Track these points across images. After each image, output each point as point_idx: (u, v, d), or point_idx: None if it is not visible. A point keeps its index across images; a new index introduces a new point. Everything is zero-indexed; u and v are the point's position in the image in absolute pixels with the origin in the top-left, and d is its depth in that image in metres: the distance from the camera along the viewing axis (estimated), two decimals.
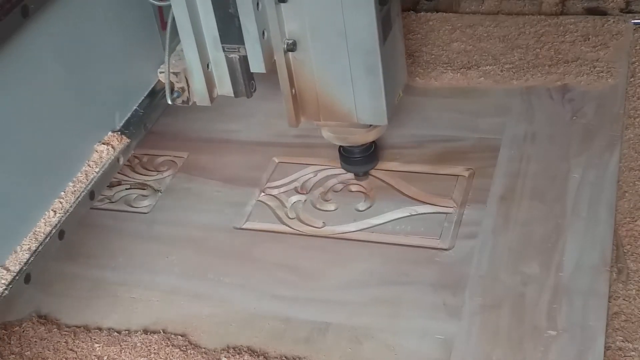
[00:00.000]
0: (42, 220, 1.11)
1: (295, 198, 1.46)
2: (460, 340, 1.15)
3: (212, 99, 1.30)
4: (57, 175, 1.14)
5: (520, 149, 1.46)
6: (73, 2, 1.12)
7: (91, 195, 1.18)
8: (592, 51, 1.65)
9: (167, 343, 1.21)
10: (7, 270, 1.03)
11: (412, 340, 1.17)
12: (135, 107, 1.30)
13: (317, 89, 1.26)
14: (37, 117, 1.09)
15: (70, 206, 1.14)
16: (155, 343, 1.21)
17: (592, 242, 1.25)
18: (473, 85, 1.64)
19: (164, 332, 1.23)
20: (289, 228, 1.41)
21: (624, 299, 1.18)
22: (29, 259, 1.06)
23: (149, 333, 1.23)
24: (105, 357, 1.21)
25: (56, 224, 1.11)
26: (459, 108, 1.58)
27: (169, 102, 1.29)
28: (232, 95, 1.30)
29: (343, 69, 1.22)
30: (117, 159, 1.23)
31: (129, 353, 1.21)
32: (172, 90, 1.28)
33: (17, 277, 1.03)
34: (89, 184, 1.17)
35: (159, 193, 1.52)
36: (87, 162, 1.20)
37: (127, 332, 1.24)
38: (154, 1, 1.25)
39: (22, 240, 1.07)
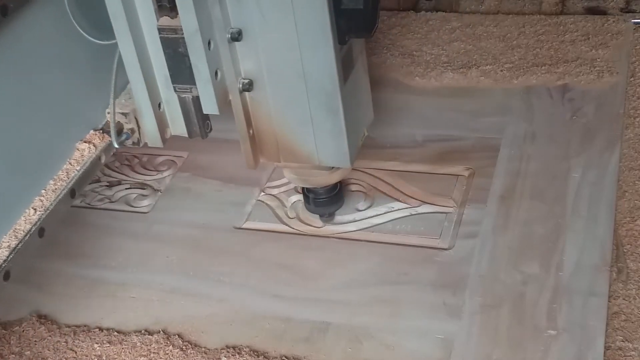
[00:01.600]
0: (22, 218, 1.11)
1: (295, 198, 1.46)
2: (460, 340, 1.15)
3: (164, 139, 1.21)
4: (37, 173, 1.15)
5: (520, 148, 1.46)
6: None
7: (72, 193, 1.18)
8: (592, 51, 1.65)
9: (167, 343, 1.21)
10: None
11: (412, 340, 1.17)
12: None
13: (276, 130, 1.18)
14: (17, 115, 1.09)
15: (51, 204, 1.14)
16: (155, 343, 1.21)
17: (592, 242, 1.25)
18: (473, 85, 1.64)
19: (163, 332, 1.23)
20: (289, 228, 1.41)
21: (623, 299, 1.18)
22: (8, 256, 1.07)
23: (148, 333, 1.23)
24: (105, 357, 1.21)
25: (36, 222, 1.11)
26: (459, 108, 1.58)
27: (116, 146, 1.21)
28: (187, 135, 1.22)
29: (302, 109, 1.14)
30: (98, 157, 1.23)
31: (129, 353, 1.21)
32: (121, 132, 1.21)
33: None
34: (69, 182, 1.17)
35: (159, 193, 1.52)
36: (68, 160, 1.20)
37: (126, 332, 1.24)
38: (97, 40, 1.17)
39: (1, 238, 1.08)
